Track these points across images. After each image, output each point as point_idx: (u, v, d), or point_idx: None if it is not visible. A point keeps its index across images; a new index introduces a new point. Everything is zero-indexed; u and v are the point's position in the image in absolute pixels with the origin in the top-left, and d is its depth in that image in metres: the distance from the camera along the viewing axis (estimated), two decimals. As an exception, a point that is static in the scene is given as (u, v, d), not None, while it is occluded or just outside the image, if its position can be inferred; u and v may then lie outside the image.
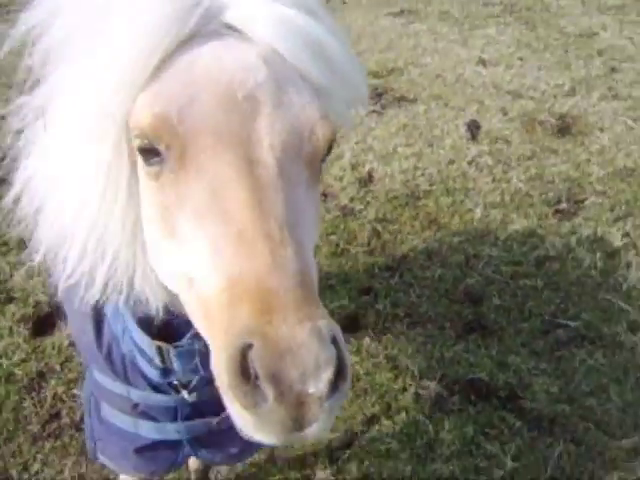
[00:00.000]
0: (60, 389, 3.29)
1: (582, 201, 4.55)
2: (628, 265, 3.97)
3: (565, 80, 6.16)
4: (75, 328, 2.03)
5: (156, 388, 1.86)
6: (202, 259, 1.22)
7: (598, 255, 4.04)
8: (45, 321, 3.66)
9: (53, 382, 3.33)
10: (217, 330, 1.17)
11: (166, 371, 1.77)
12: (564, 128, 5.38)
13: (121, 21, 1.27)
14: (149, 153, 1.28)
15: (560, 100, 5.81)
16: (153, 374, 1.80)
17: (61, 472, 2.92)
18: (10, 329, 3.62)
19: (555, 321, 3.60)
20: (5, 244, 4.24)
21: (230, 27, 1.33)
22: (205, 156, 1.24)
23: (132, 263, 1.46)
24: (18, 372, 3.37)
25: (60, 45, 1.36)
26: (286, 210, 1.21)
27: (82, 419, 3.14)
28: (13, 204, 1.49)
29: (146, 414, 1.93)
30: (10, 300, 3.81)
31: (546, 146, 5.15)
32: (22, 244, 4.17)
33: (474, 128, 5.43)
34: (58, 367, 3.40)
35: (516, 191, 4.66)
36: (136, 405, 1.90)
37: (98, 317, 1.83)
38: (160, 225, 1.32)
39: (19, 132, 1.46)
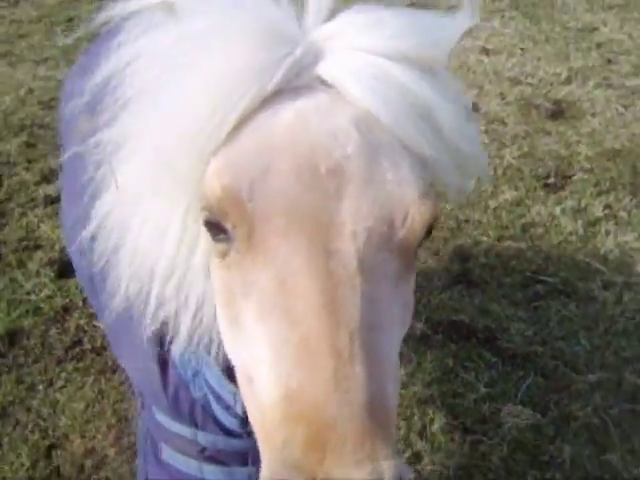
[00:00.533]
0: (82, 321, 3.64)
1: (569, 177, 4.87)
2: (607, 233, 4.28)
3: (563, 69, 6.47)
4: (134, 367, 1.86)
5: (229, 432, 1.71)
6: (262, 360, 1.06)
7: (580, 223, 4.36)
8: (69, 265, 3.98)
9: (76, 315, 3.67)
10: (267, 445, 1.04)
11: (246, 420, 1.48)
12: (558, 112, 5.70)
13: (198, 73, 1.12)
14: (216, 228, 1.14)
15: (556, 87, 6.13)
16: (231, 422, 1.67)
17: (82, 387, 3.27)
18: (37, 271, 3.97)
19: (535, 277, 3.92)
20: (33, 200, 4.59)
21: (324, 82, 1.15)
22: (275, 240, 1.06)
23: None
24: (44, 306, 3.72)
25: (136, 93, 1.24)
26: (362, 315, 1.02)
27: (102, 346, 3.51)
28: (91, 240, 1.40)
29: (214, 458, 1.76)
30: (38, 247, 4.17)
31: (540, 128, 5.46)
32: (48, 200, 4.55)
33: (473, 110, 5.75)
34: (80, 303, 3.74)
35: (508, 166, 4.98)
36: (204, 449, 1.75)
37: (163, 358, 1.67)
38: (224, 308, 1.19)
39: (98, 165, 1.36)
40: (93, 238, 1.40)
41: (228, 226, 1.11)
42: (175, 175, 1.17)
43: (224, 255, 1.14)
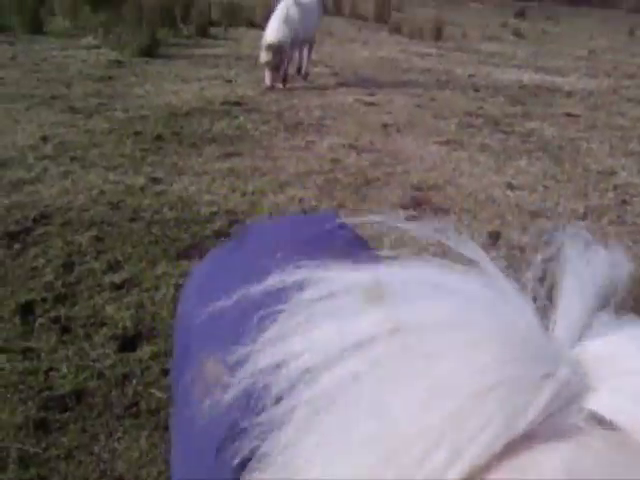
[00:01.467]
0: (140, 388, 4.18)
1: (577, 299, 5.43)
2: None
3: (580, 206, 7.13)
4: None
5: None
6: None
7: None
8: (131, 341, 4.59)
9: (135, 382, 4.22)
10: None
11: None
12: (572, 243, 6.31)
13: (416, 387, 0.69)
14: None
15: (573, 222, 6.76)
16: None
17: (137, 440, 3.79)
18: (102, 344, 4.56)
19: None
20: (99, 285, 5.22)
21: (599, 420, 0.66)
22: None
23: None
24: (107, 373, 4.28)
25: (320, 403, 0.78)
26: None
27: (157, 408, 4.05)
28: None
29: None
30: (103, 324, 4.76)
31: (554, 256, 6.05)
32: (113, 286, 5.19)
33: (495, 237, 6.39)
34: (139, 373, 4.30)
35: (522, 288, 5.55)
36: None
37: None
38: None
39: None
40: None
41: None
42: None
43: None
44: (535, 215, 6.94)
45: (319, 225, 1.09)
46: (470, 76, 15.42)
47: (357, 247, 1.09)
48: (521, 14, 35.06)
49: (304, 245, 1.06)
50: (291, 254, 0.96)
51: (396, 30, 22.84)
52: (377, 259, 0.82)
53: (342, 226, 1.12)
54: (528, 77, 16.11)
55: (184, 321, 1.57)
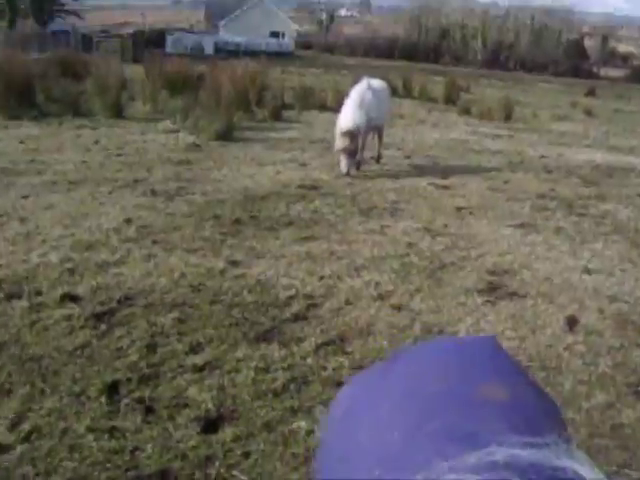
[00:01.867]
0: (222, 470, 4.25)
1: (659, 387, 5.36)
2: (691, 438, 4.72)
3: (658, 291, 7.08)
4: None
5: None
6: None
7: (666, 428, 4.81)
8: (213, 423, 4.69)
9: (217, 464, 4.31)
10: None
11: None
12: (652, 334, 6.25)
13: None
14: None
15: (651, 306, 6.70)
16: None
17: (221, 523, 3.87)
18: (185, 425, 4.67)
19: (619, 471, 4.36)
20: (182, 367, 5.36)
21: None
22: None
23: None
24: (190, 454, 4.38)
25: None
26: None
27: (238, 491, 4.12)
28: None
29: None
30: (186, 406, 4.88)
31: (634, 341, 6.00)
32: (196, 368, 5.32)
33: (572, 322, 6.35)
34: (221, 455, 4.39)
35: (602, 373, 5.50)
36: None
37: None
38: None
39: None
40: None
41: None
42: None
43: None
44: (613, 299, 6.90)
45: (473, 355, 1.05)
46: (542, 157, 15.48)
47: (518, 381, 1.03)
48: (592, 93, 35.14)
49: (456, 382, 1.01)
50: (441, 394, 0.96)
51: (465, 111, 23.11)
52: (541, 395, 0.87)
53: (498, 353, 1.07)
54: (601, 157, 16.10)
55: (327, 450, 1.38)
